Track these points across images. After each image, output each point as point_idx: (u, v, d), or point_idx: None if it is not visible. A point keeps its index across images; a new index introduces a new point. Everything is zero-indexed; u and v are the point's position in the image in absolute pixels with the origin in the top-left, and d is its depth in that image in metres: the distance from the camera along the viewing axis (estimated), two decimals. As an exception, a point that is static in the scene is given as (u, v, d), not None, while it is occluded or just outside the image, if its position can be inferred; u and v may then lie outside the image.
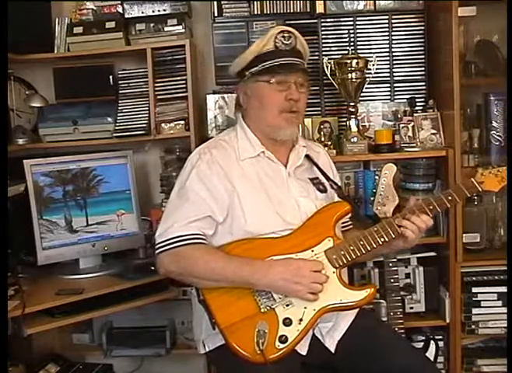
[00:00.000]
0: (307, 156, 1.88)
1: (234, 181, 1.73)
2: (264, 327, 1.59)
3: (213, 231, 1.73)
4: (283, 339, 1.62)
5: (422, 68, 2.58)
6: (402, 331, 2.16)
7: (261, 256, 1.67)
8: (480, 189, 1.74)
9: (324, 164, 1.93)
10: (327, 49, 2.58)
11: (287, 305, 1.65)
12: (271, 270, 1.63)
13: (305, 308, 1.64)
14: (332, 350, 1.78)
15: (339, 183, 1.95)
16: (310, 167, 1.89)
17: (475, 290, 2.43)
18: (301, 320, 1.64)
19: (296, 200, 1.77)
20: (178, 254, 1.66)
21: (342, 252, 1.69)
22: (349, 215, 1.89)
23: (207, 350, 1.79)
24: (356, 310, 1.85)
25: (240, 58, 1.82)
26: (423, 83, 2.59)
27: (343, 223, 1.90)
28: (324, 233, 1.72)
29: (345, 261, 1.69)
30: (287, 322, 1.63)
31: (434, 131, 2.47)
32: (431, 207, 1.72)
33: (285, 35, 1.75)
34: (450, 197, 1.73)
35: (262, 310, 1.64)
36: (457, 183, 1.76)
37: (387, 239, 1.72)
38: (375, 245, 1.71)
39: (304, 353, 1.72)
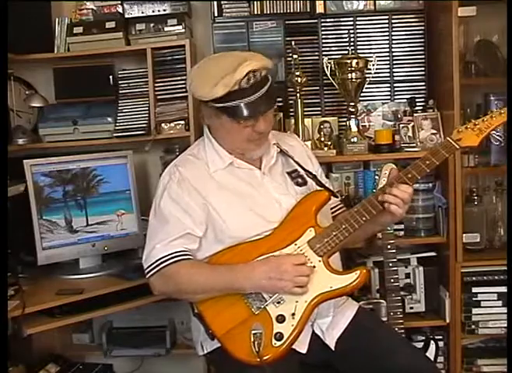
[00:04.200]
0: (281, 151, 1.86)
1: (207, 194, 1.74)
2: (259, 328, 1.60)
3: (197, 245, 1.74)
4: (278, 336, 1.62)
5: (422, 68, 2.58)
6: (402, 331, 2.16)
7: (247, 260, 1.68)
8: (457, 147, 1.67)
9: (300, 156, 1.90)
10: (327, 49, 2.58)
11: (278, 303, 1.65)
12: (254, 272, 1.64)
13: (296, 301, 1.65)
14: (332, 347, 1.78)
15: (320, 170, 1.94)
16: (285, 161, 1.87)
17: (475, 290, 2.43)
18: (294, 314, 1.64)
19: (276, 199, 1.77)
20: (165, 274, 1.69)
21: (326, 240, 1.68)
22: (337, 200, 1.90)
23: (205, 352, 1.81)
24: (355, 307, 1.86)
25: (201, 87, 1.68)
26: (423, 83, 2.59)
27: (333, 208, 1.90)
28: (305, 224, 1.71)
29: (329, 248, 1.68)
30: (280, 318, 1.64)
31: (434, 131, 2.47)
32: (409, 176, 1.69)
33: (250, 76, 1.64)
34: (427, 161, 1.68)
35: (255, 312, 1.65)
36: (434, 146, 1.69)
37: (368, 217, 1.69)
38: (357, 226, 1.69)
39: (304, 351, 1.72)
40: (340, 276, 1.67)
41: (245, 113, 1.66)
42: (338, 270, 1.72)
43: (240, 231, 1.71)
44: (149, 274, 1.72)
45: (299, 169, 1.86)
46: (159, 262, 1.69)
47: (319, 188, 1.81)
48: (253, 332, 1.59)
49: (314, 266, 1.66)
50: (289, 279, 1.62)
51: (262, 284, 1.63)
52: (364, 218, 1.69)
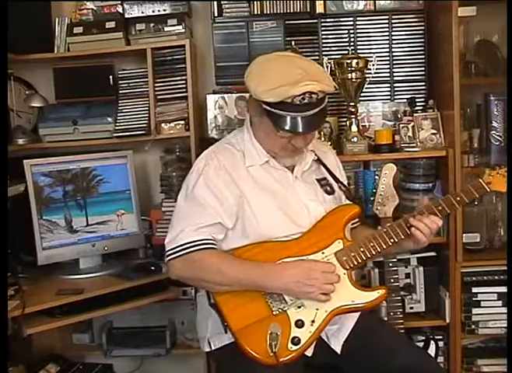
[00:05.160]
0: (317, 159, 1.87)
1: (242, 186, 1.73)
2: (276, 329, 1.59)
3: (223, 236, 1.73)
4: (296, 341, 1.62)
5: (422, 68, 2.58)
6: (402, 331, 2.16)
7: (272, 259, 1.67)
8: (488, 190, 1.74)
9: (331, 164, 1.92)
10: (327, 49, 2.58)
11: (299, 307, 1.65)
12: (284, 273, 1.63)
13: (317, 309, 1.65)
14: (338, 351, 1.78)
15: (346, 182, 1.95)
16: (317, 168, 1.88)
17: (475, 290, 2.43)
18: (313, 322, 1.64)
19: (305, 204, 1.77)
20: (190, 260, 1.66)
21: (353, 254, 1.70)
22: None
23: (212, 348, 1.78)
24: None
25: (260, 85, 1.65)
26: (423, 83, 2.59)
27: (352, 222, 1.90)
28: (334, 235, 1.73)
29: (355, 263, 1.70)
30: (299, 324, 1.64)
31: (434, 131, 2.47)
32: (440, 208, 1.73)
33: (306, 96, 1.61)
34: (458, 198, 1.74)
35: (274, 312, 1.65)
36: (466, 185, 1.76)
37: (396, 240, 1.72)
38: (385, 246, 1.72)
39: (310, 354, 1.72)
40: (362, 292, 1.69)
41: (287, 126, 1.64)
42: (358, 285, 1.72)
43: (269, 230, 1.70)
44: (171, 256, 1.68)
45: (329, 178, 1.87)
46: (186, 246, 1.66)
47: (346, 200, 1.84)
48: (270, 332, 1.59)
49: (339, 277, 1.67)
50: (318, 285, 1.62)
51: (289, 287, 1.63)
52: (392, 240, 1.72)
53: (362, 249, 1.70)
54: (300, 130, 1.65)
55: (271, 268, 1.65)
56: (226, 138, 1.88)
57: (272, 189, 1.76)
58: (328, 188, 1.85)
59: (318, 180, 1.85)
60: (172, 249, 1.69)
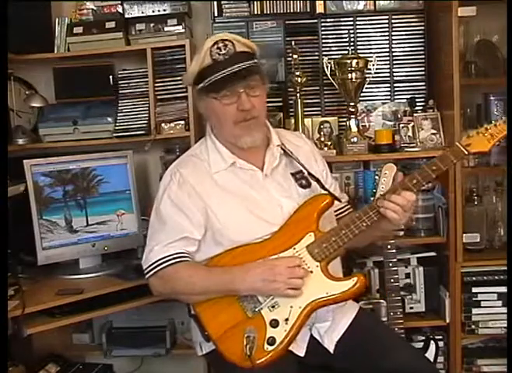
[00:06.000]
0: (285, 153, 1.83)
1: (207, 197, 1.73)
2: (252, 332, 1.59)
3: (196, 247, 1.74)
4: (271, 341, 1.62)
5: (422, 68, 2.58)
6: (402, 331, 2.16)
7: (247, 262, 1.67)
8: (466, 152, 1.63)
9: (306, 156, 1.87)
10: (327, 49, 2.58)
11: (273, 307, 1.65)
12: (249, 273, 1.64)
13: (291, 307, 1.64)
14: (331, 351, 1.78)
15: (325, 171, 1.90)
16: (289, 162, 1.84)
17: (475, 290, 2.43)
18: (287, 320, 1.64)
19: (278, 202, 1.75)
20: (163, 276, 1.70)
21: (324, 245, 1.66)
22: (342, 202, 1.89)
23: (203, 352, 1.82)
24: (355, 309, 1.85)
25: (187, 73, 1.79)
26: (423, 83, 2.59)
27: (337, 210, 1.88)
28: (306, 229, 1.70)
29: (327, 253, 1.66)
30: (273, 323, 1.64)
31: (434, 131, 2.47)
32: (414, 182, 1.65)
33: (220, 45, 1.66)
34: (434, 167, 1.64)
35: (249, 315, 1.65)
36: (442, 152, 1.66)
37: (369, 223, 1.67)
38: (357, 232, 1.67)
39: (302, 354, 1.72)
40: (337, 282, 1.66)
41: (221, 86, 1.65)
42: (335, 276, 1.69)
43: (240, 235, 1.70)
44: (147, 275, 1.74)
45: (304, 171, 1.83)
46: (158, 263, 1.70)
47: (323, 191, 1.78)
48: (246, 335, 1.58)
49: (311, 272, 1.65)
50: (283, 281, 1.61)
51: (256, 286, 1.63)
52: (364, 224, 1.67)
53: (333, 239, 1.66)
54: (237, 86, 1.65)
55: (238, 271, 1.66)
56: (192, 149, 1.89)
57: (241, 192, 1.75)
58: (304, 181, 1.80)
59: (293, 174, 1.81)
60: (147, 268, 1.73)
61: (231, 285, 1.65)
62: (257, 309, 1.65)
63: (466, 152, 1.64)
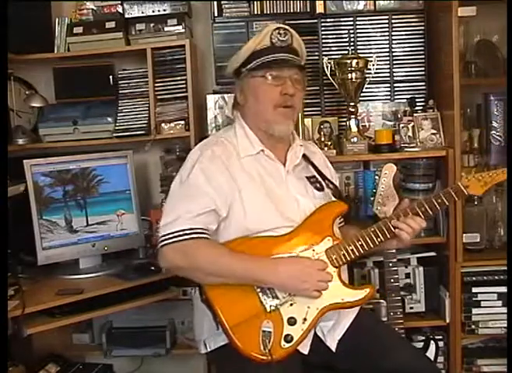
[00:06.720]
0: (304, 155, 1.89)
1: (236, 176, 1.73)
2: (269, 327, 1.60)
3: (216, 227, 1.71)
4: (289, 338, 1.62)
5: (422, 68, 2.58)
6: (402, 331, 2.16)
7: (265, 254, 1.67)
8: (466, 193, 1.77)
9: (320, 163, 1.94)
10: (327, 49, 2.58)
11: (291, 305, 1.65)
12: (279, 268, 1.64)
13: (308, 307, 1.65)
14: (333, 349, 1.78)
15: (337, 183, 1.96)
16: (306, 166, 1.90)
17: (475, 290, 2.43)
18: (305, 319, 1.65)
19: (295, 198, 1.78)
20: (184, 248, 1.63)
21: (342, 252, 1.71)
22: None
23: (208, 349, 1.78)
24: (357, 309, 1.85)
25: (237, 55, 1.83)
26: (423, 83, 2.59)
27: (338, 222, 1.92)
28: (324, 232, 1.74)
29: (344, 261, 1.72)
30: (292, 321, 1.64)
31: (434, 131, 2.47)
32: (423, 209, 1.76)
33: (281, 32, 1.76)
34: (439, 200, 1.76)
35: (267, 309, 1.64)
36: (446, 188, 1.81)
37: (383, 239, 1.75)
38: (372, 246, 1.74)
39: (306, 352, 1.72)
40: (352, 290, 1.72)
41: (272, 67, 1.74)
42: (347, 282, 1.75)
43: (254, 223, 1.70)
44: (163, 242, 1.65)
45: (317, 176, 1.88)
46: (180, 233, 1.63)
47: (333, 198, 1.86)
48: (262, 329, 1.59)
49: (332, 275, 1.68)
50: (313, 282, 1.63)
51: (285, 282, 1.63)
52: (379, 239, 1.75)
53: (351, 248, 1.72)
54: (287, 64, 1.75)
55: (267, 262, 1.65)
56: (217, 134, 1.90)
57: (265, 181, 1.76)
58: (318, 185, 1.87)
59: (308, 178, 1.87)
60: (166, 235, 1.65)
61: (258, 275, 1.63)
62: (276, 305, 1.64)
63: (466, 193, 1.77)
